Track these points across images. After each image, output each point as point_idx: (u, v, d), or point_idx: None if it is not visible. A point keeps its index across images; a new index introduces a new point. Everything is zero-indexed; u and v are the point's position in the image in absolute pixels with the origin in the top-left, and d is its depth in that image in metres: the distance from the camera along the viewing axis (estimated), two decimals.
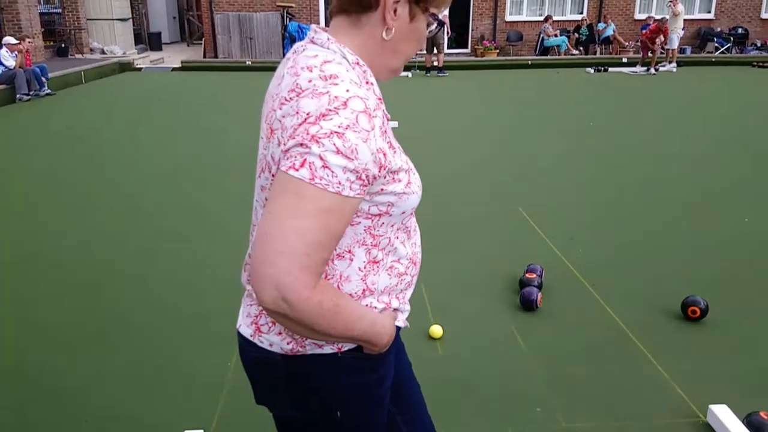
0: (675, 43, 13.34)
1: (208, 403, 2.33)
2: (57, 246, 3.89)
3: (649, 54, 13.09)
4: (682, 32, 12.96)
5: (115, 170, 5.69)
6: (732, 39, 16.08)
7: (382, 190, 0.99)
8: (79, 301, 3.16)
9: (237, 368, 2.55)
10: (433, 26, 1.08)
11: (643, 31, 13.32)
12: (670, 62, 13.39)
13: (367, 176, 0.91)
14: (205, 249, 3.81)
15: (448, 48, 16.38)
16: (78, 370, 2.56)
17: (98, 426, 2.22)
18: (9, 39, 9.95)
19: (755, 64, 14.20)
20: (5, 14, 12.49)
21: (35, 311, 3.06)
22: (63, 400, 2.36)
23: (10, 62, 9.59)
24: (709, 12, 16.84)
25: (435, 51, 12.69)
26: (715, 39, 16.20)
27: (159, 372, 2.54)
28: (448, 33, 13.02)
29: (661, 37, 12.82)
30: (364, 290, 1.05)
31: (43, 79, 10.03)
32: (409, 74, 12.87)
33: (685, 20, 16.29)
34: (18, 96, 9.48)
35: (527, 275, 3.18)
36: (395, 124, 7.58)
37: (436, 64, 12.92)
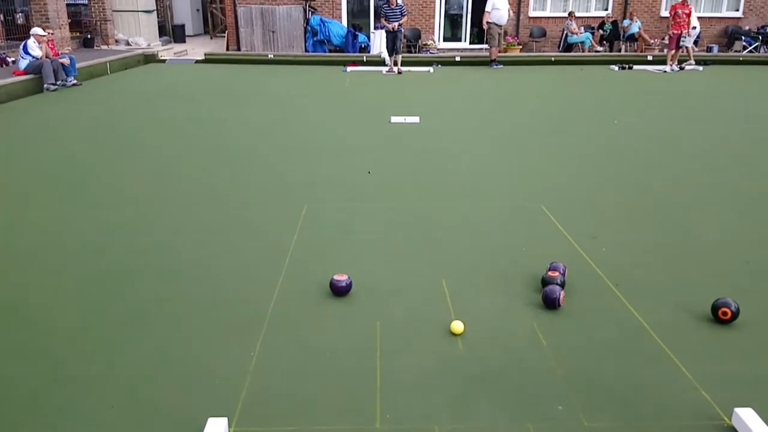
0: (690, 41, 13.15)
1: (232, 391, 2.36)
2: (80, 236, 3.95)
3: (682, 43, 12.80)
4: (694, 30, 12.80)
5: (138, 161, 5.75)
6: (760, 38, 15.78)
7: None
8: (102, 290, 3.21)
9: (259, 356, 2.58)
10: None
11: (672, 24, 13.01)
12: (687, 62, 13.22)
13: None
14: (230, 238, 3.84)
15: (470, 44, 16.34)
16: (103, 358, 2.60)
17: (123, 411, 2.25)
18: (37, 30, 10.09)
19: None
20: (33, 5, 12.66)
21: (59, 300, 3.11)
22: (89, 386, 2.40)
23: (37, 52, 9.73)
24: (737, 10, 16.55)
25: (491, 44, 13.06)
26: (743, 38, 15.91)
27: (182, 360, 2.57)
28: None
29: (689, 28, 12.61)
30: None
31: (72, 77, 10.13)
32: (431, 69, 12.83)
33: (712, 18, 16.06)
34: (45, 86, 9.62)
35: (550, 273, 3.17)
36: (416, 119, 7.57)
37: (491, 57, 13.18)
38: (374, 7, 15.95)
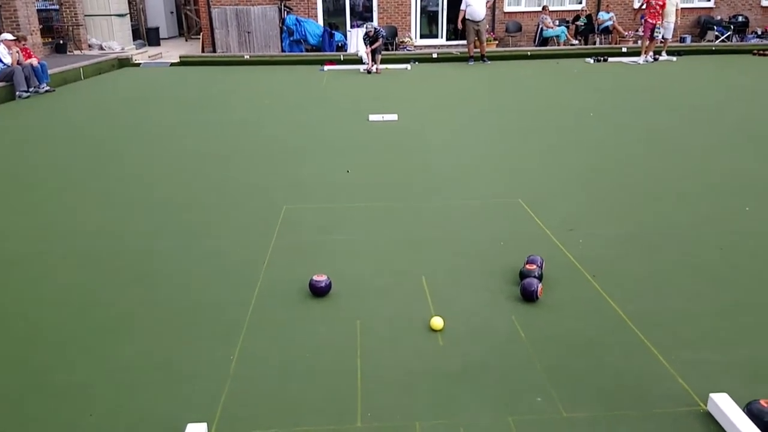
0: (669, 33, 13.29)
1: (211, 396, 2.35)
2: (60, 243, 3.90)
3: (656, 34, 12.91)
4: (669, 24, 13.00)
5: (116, 166, 5.69)
6: (732, 27, 16.01)
7: None
8: (83, 296, 3.17)
9: (239, 359, 2.57)
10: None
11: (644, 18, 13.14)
12: (665, 53, 13.38)
13: None
14: (208, 243, 3.82)
15: (446, 40, 16.38)
16: (82, 365, 2.57)
17: (102, 420, 2.23)
18: (6, 35, 9.92)
19: (755, 52, 14.14)
20: (3, 11, 12.46)
21: (40, 307, 3.08)
22: (68, 394, 2.38)
23: (8, 59, 9.57)
24: (709, 0, 16.77)
25: (479, 40, 13.12)
26: (715, 27, 16.13)
27: (162, 366, 2.55)
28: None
29: (663, 19, 12.73)
30: None
31: (45, 84, 9.97)
32: (408, 66, 12.84)
33: (684, 9, 16.25)
34: (17, 93, 9.46)
35: (527, 266, 3.19)
36: (394, 117, 7.57)
37: (480, 53, 13.29)
38: (350, 6, 15.92)
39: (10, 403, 2.34)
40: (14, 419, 2.25)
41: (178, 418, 2.21)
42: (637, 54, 13.32)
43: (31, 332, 2.85)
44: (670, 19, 13.03)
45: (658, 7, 12.70)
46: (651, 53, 13.13)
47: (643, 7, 13.15)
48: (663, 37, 13.20)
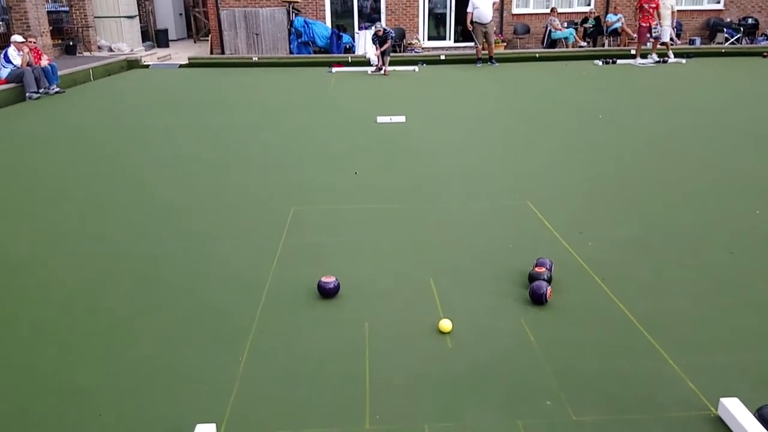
0: (667, 36, 13.23)
1: (220, 397, 2.35)
2: (66, 245, 3.92)
3: (656, 34, 12.87)
4: (662, 27, 12.93)
5: (124, 169, 5.72)
6: (742, 29, 15.92)
7: None
8: (89, 300, 3.18)
9: (248, 361, 2.57)
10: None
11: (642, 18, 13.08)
12: (660, 55, 13.32)
13: None
14: (213, 247, 3.82)
15: (454, 42, 16.37)
16: (90, 368, 2.58)
17: (111, 421, 2.24)
18: (16, 37, 9.99)
19: (765, 54, 14.06)
20: (13, 13, 12.55)
21: (45, 310, 3.09)
22: (75, 396, 2.39)
23: (18, 61, 9.64)
24: (719, 2, 16.69)
25: (487, 42, 13.14)
26: (725, 29, 16.04)
27: (170, 368, 2.56)
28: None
29: (659, 20, 12.69)
30: None
31: (55, 85, 10.03)
32: (416, 68, 12.84)
33: (694, 11, 16.21)
34: (27, 94, 9.53)
35: (536, 269, 3.18)
36: (402, 119, 7.57)
37: (488, 54, 13.29)
38: (358, 7, 15.95)
39: (15, 406, 2.35)
40: (20, 422, 2.26)
41: (186, 420, 2.21)
42: (644, 56, 13.26)
43: (36, 336, 2.86)
44: (666, 22, 12.99)
45: (651, 9, 12.69)
46: (655, 55, 13.08)
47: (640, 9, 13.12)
48: (662, 41, 13.12)
